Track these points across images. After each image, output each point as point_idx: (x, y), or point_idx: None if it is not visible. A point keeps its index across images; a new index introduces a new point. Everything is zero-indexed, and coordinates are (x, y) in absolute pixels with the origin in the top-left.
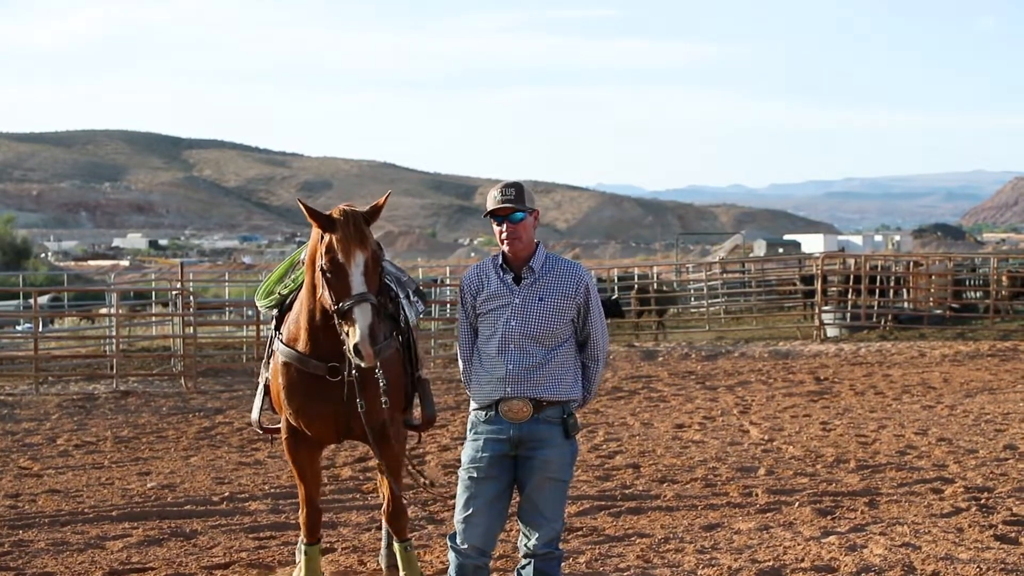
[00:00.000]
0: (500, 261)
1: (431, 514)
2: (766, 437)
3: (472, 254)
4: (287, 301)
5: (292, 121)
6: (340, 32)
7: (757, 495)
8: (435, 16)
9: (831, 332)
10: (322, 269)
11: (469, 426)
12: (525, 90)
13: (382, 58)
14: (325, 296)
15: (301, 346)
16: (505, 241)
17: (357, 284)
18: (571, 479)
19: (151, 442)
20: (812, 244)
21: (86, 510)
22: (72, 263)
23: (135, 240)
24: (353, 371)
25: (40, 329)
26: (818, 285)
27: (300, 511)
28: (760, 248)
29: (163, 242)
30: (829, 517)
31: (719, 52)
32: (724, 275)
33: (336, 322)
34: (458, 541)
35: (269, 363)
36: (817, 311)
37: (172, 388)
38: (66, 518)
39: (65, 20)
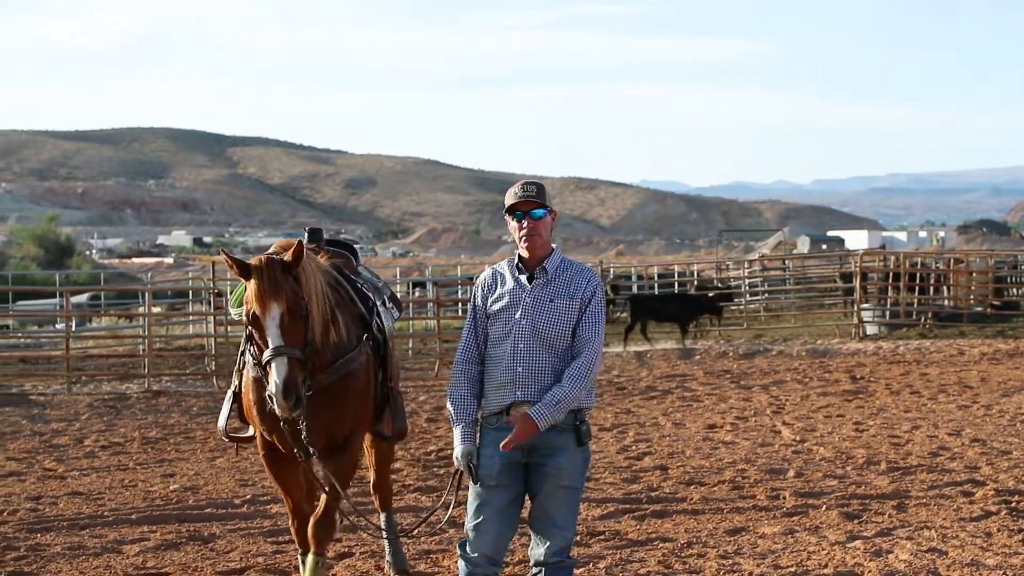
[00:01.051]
0: (516, 262)
1: (454, 518)
2: (797, 438)
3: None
4: None
5: (336, 118)
6: (385, 29)
7: (784, 498)
8: (480, 12)
9: (870, 330)
10: (251, 321)
11: (480, 433)
12: (569, 87)
13: (427, 55)
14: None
15: None
16: (524, 238)
17: (273, 337)
18: (583, 486)
19: (178, 443)
20: (856, 240)
21: (106, 513)
22: (116, 261)
23: (180, 237)
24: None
25: (74, 328)
26: (857, 283)
27: (290, 523)
28: (804, 245)
29: (207, 239)
30: (856, 521)
31: (766, 47)
32: (765, 272)
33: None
34: (468, 549)
35: (242, 371)
36: (856, 309)
37: (204, 388)
38: (85, 521)
39: (111, 18)
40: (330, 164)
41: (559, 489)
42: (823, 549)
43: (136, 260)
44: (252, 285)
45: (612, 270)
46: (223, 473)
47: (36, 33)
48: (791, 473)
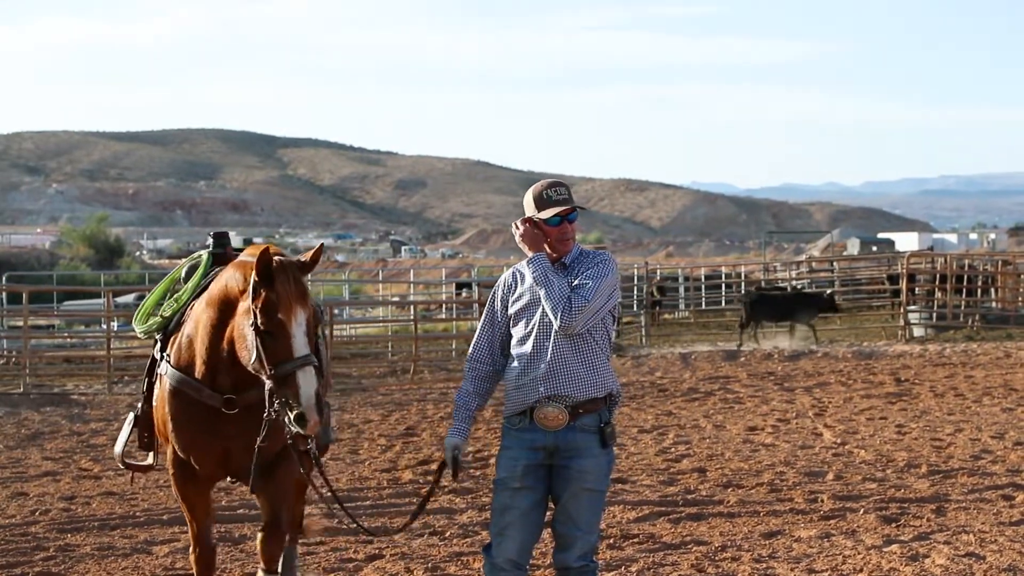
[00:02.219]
0: None
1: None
2: (839, 440)
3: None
4: (171, 323)
5: (387, 119)
6: (436, 30)
7: (822, 501)
8: (530, 14)
9: (917, 332)
10: (257, 328)
11: (503, 435)
12: (619, 88)
13: (477, 56)
14: (252, 357)
15: (197, 373)
16: (557, 243)
17: (300, 345)
18: (608, 489)
19: None
20: (906, 242)
21: (138, 513)
22: (166, 261)
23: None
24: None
25: (117, 328)
26: (903, 284)
27: (191, 550)
28: (854, 246)
29: (258, 240)
30: (894, 525)
31: (815, 49)
32: (812, 273)
33: (267, 386)
34: (493, 554)
35: (151, 392)
36: (902, 311)
37: None
38: (116, 522)
39: (161, 20)
40: (380, 165)
41: (583, 492)
42: (859, 553)
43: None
44: (277, 289)
45: (659, 271)
46: None
47: (88, 35)
48: (830, 476)
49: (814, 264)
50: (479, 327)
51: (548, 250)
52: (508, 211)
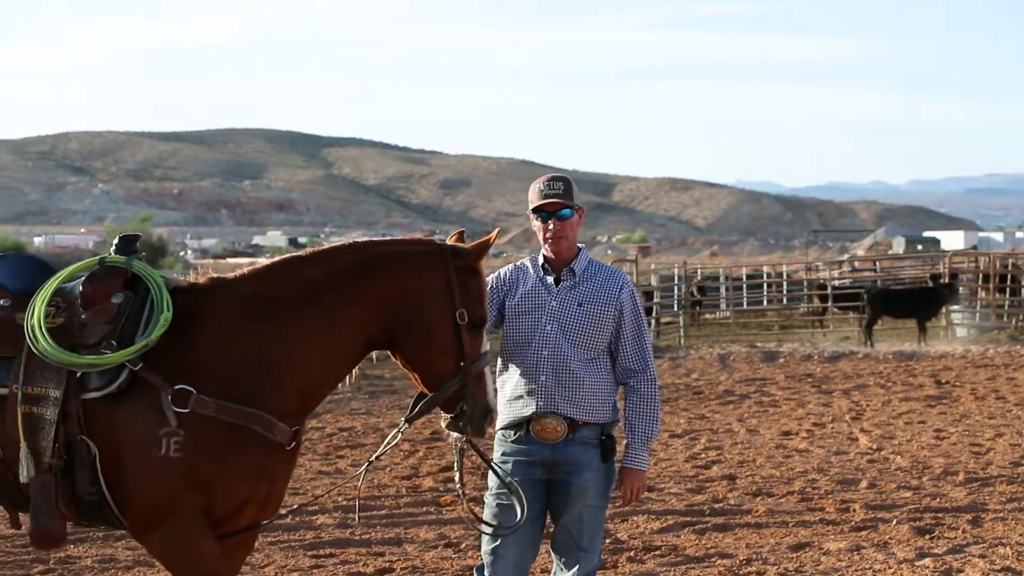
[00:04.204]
0: (542, 261)
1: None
2: (874, 446)
3: (609, 251)
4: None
5: (431, 118)
6: (481, 29)
7: (854, 510)
8: (576, 12)
9: (959, 332)
10: (475, 322)
11: (496, 448)
12: (664, 86)
13: (522, 55)
14: (443, 358)
15: (269, 403)
16: (549, 240)
17: (486, 341)
18: (608, 504)
19: None
20: (952, 241)
21: None
22: (210, 261)
23: (275, 238)
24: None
25: None
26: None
27: None
28: (899, 245)
29: (303, 240)
30: (927, 536)
31: (861, 47)
32: (854, 273)
33: (452, 388)
34: (487, 574)
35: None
36: (944, 311)
37: None
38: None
39: (206, 20)
40: (425, 164)
41: (584, 510)
42: (889, 568)
43: (230, 260)
44: (482, 277)
45: (699, 271)
46: None
47: (134, 36)
48: (864, 484)
49: (857, 263)
50: None
51: (546, 248)
52: None
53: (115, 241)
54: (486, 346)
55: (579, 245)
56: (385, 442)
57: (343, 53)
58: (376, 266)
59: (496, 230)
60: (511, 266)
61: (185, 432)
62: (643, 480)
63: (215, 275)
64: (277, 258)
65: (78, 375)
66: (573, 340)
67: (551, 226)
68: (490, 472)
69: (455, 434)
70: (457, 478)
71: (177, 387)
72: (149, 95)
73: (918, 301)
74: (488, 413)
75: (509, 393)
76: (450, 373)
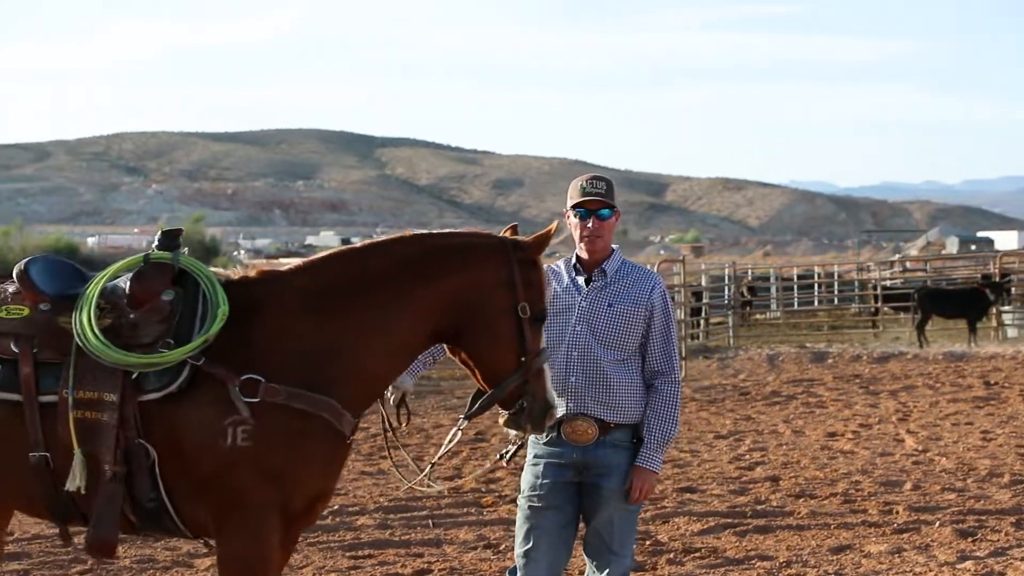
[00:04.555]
0: (574, 261)
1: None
2: (920, 447)
3: (662, 251)
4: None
5: (484, 119)
6: (533, 29)
7: (897, 512)
8: (628, 13)
9: (1011, 333)
10: (536, 316)
11: (528, 450)
12: (717, 87)
13: (575, 55)
14: (504, 353)
15: (337, 394)
16: (585, 239)
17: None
18: (642, 508)
19: None
20: (1006, 241)
21: None
22: (263, 261)
23: (328, 238)
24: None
25: None
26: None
27: None
28: (953, 245)
29: (355, 240)
30: (970, 539)
31: (914, 47)
32: (905, 273)
33: (512, 383)
34: None
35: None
36: (995, 311)
37: None
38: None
39: (260, 21)
40: (478, 165)
41: (615, 513)
42: (930, 571)
43: (283, 260)
44: (542, 271)
45: (749, 271)
46: None
47: (187, 37)
48: (908, 485)
49: (908, 264)
50: None
51: (580, 247)
52: None
53: (157, 236)
54: (544, 342)
55: (613, 246)
56: (446, 441)
57: (396, 53)
58: (439, 258)
59: (555, 223)
60: (545, 268)
61: (255, 421)
62: (653, 481)
63: (264, 267)
64: (330, 251)
65: (134, 376)
66: (603, 341)
67: (590, 224)
68: (523, 474)
69: (513, 431)
70: (506, 460)
71: (245, 377)
72: (203, 96)
73: (966, 301)
74: (548, 409)
75: None
76: (511, 368)
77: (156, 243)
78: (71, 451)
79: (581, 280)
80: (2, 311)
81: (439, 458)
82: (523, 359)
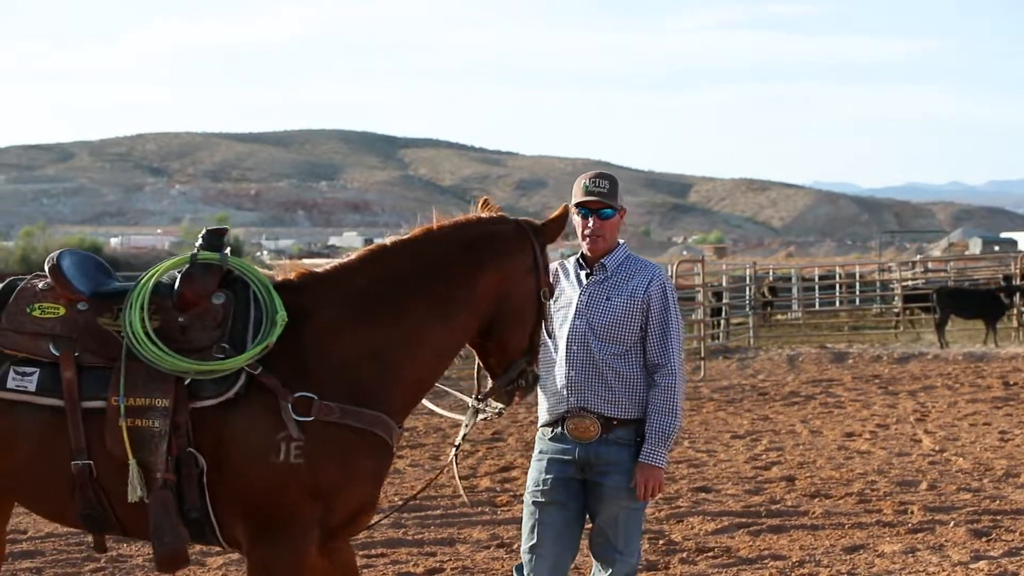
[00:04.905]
0: (579, 257)
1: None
2: (937, 447)
3: (685, 252)
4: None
5: (507, 119)
6: (556, 30)
7: (912, 512)
8: (650, 14)
9: None
10: (540, 300)
11: (536, 445)
12: (740, 87)
13: (597, 56)
14: (524, 335)
15: (385, 405)
16: (587, 238)
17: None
18: (647, 505)
19: None
20: None
21: None
22: (286, 261)
23: (351, 239)
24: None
25: None
26: (1016, 284)
27: None
28: (976, 246)
29: (379, 240)
30: (984, 539)
31: (938, 47)
32: (927, 273)
33: (520, 364)
34: (525, 573)
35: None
36: (1016, 311)
37: None
38: None
39: (283, 21)
40: (501, 165)
41: (619, 511)
42: (943, 571)
43: (307, 261)
44: (547, 254)
45: (771, 271)
46: None
47: (210, 37)
48: (923, 485)
49: (930, 264)
50: None
51: (583, 245)
52: (629, 211)
53: (201, 235)
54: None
55: (619, 241)
56: (463, 425)
57: (419, 54)
58: (477, 251)
59: (565, 204)
60: (554, 265)
61: (307, 438)
62: (659, 477)
63: (304, 269)
64: (368, 249)
65: (186, 383)
66: (600, 335)
67: (591, 223)
68: (531, 470)
69: (500, 405)
70: (460, 438)
71: (298, 395)
72: (226, 96)
73: (983, 302)
74: (538, 380)
75: (547, 390)
76: (523, 350)
77: (200, 243)
78: (116, 459)
79: (583, 274)
80: (36, 309)
81: (460, 442)
82: (533, 339)
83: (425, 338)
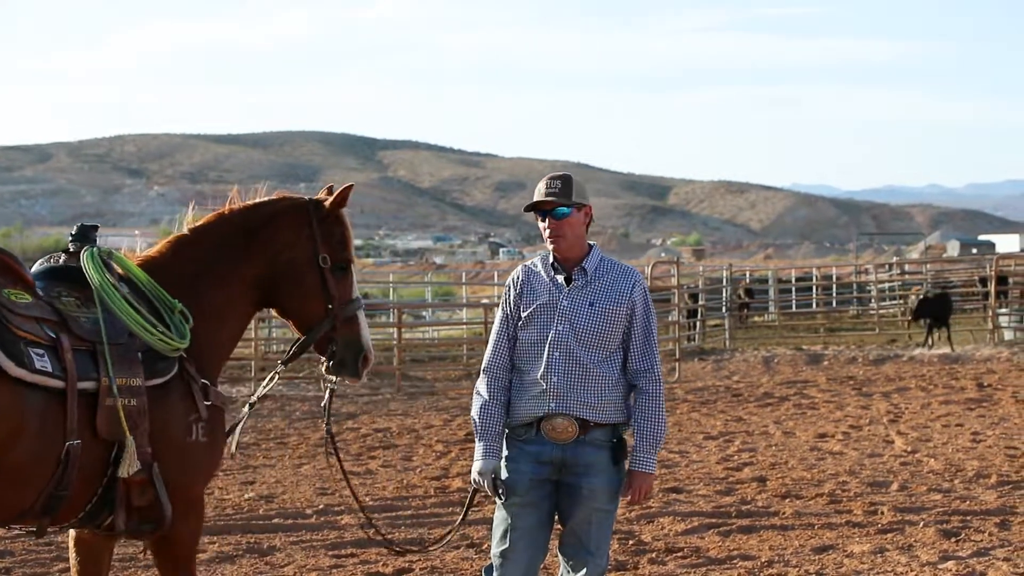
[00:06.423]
0: (552, 260)
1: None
2: (909, 448)
3: (663, 254)
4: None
5: (486, 121)
6: (536, 32)
7: (882, 513)
8: (631, 16)
9: (1007, 335)
10: (339, 265)
11: (505, 446)
12: (719, 90)
13: (578, 58)
14: (309, 301)
15: (212, 377)
16: (549, 239)
17: (356, 286)
18: (618, 507)
19: (269, 449)
20: (1007, 244)
21: None
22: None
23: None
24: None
25: None
26: (992, 286)
27: None
28: (953, 249)
29: (357, 242)
30: (953, 539)
31: (919, 50)
32: (902, 276)
33: (322, 330)
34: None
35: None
36: (991, 313)
37: (313, 391)
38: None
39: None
40: (480, 167)
41: (593, 513)
42: (911, 571)
43: None
44: (345, 222)
45: (747, 273)
46: (304, 481)
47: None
48: (894, 486)
49: (906, 266)
50: (493, 333)
51: (548, 246)
52: (608, 213)
53: (76, 227)
54: (356, 292)
55: (590, 243)
56: (263, 384)
57: (399, 56)
58: (258, 229)
59: (351, 184)
60: (522, 268)
61: (207, 418)
62: (650, 483)
63: (141, 257)
64: (171, 237)
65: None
66: (584, 340)
67: (547, 225)
68: (502, 471)
69: (332, 379)
70: (326, 422)
71: (202, 381)
72: (205, 98)
73: (938, 306)
74: (360, 353)
75: (522, 393)
76: (320, 317)
77: (71, 236)
78: (95, 440)
79: (561, 279)
80: (10, 295)
81: (256, 399)
82: (330, 307)
83: (222, 317)
